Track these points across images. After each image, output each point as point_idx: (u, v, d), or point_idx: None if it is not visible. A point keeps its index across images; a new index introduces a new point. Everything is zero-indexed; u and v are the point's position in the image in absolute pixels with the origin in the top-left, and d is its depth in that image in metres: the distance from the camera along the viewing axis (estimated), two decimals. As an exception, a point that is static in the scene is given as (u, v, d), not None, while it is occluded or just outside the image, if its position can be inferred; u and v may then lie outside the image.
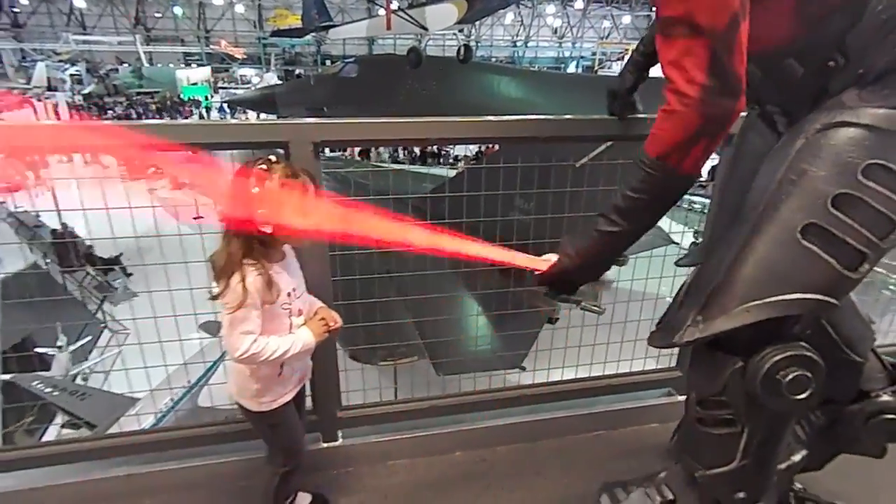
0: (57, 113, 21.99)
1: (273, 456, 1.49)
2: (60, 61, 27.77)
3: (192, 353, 6.37)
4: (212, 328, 7.38)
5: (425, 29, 10.76)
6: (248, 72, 32.52)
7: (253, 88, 24.59)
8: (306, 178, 1.21)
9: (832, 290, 0.99)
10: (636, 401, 2.03)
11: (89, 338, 9.47)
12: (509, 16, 32.99)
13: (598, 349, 2.01)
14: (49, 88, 24.80)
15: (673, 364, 2.05)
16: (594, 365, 2.01)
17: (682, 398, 1.64)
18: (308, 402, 1.67)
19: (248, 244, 1.18)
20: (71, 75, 27.31)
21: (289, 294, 1.28)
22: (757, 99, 1.18)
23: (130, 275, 11.08)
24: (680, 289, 1.22)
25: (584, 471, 1.83)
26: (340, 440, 1.80)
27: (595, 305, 7.19)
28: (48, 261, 10.54)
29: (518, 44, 35.08)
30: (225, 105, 24.11)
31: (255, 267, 1.19)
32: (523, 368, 5.59)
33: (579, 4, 34.26)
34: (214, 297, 1.20)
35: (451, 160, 17.63)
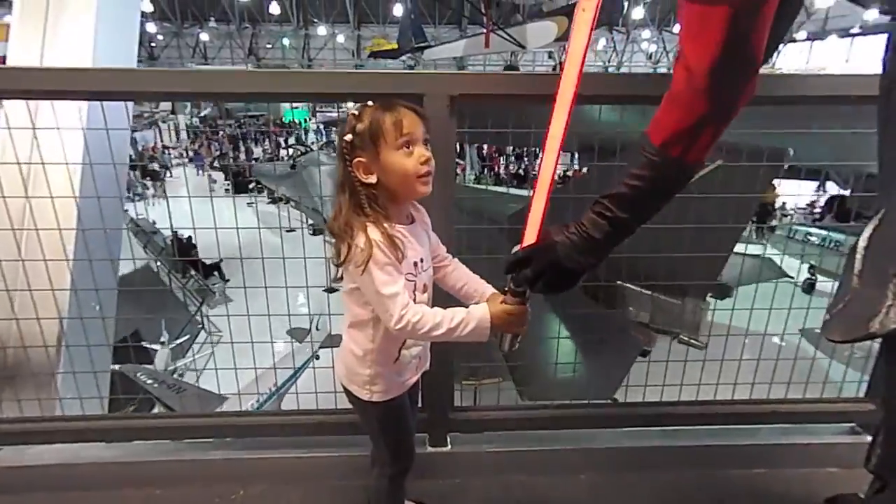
0: (177, 133, 24.90)
1: (378, 455, 1.30)
2: (183, 88, 31.17)
3: (280, 358, 6.57)
4: (298, 335, 7.56)
5: (523, 47, 10.69)
6: (343, 97, 34.35)
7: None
8: (407, 110, 1.03)
9: None
10: (808, 436, 1.64)
11: (187, 336, 10.10)
12: (601, 41, 32.49)
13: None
14: (171, 112, 27.81)
15: (860, 393, 1.64)
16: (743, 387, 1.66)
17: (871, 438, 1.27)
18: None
19: (357, 199, 1.03)
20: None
21: (415, 264, 1.10)
22: None
23: (228, 280, 11.81)
24: (849, 259, 0.89)
25: (738, 516, 1.48)
26: (450, 446, 1.59)
27: (694, 339, 6.54)
28: (159, 264, 11.46)
29: (610, 69, 34.40)
30: (321, 126, 25.56)
31: (372, 221, 1.03)
32: (615, 401, 5.12)
33: (676, 29, 33.09)
34: (340, 264, 1.05)
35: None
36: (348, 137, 1.02)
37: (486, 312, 1.04)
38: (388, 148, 1.01)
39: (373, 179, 1.02)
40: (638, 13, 31.04)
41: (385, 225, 1.03)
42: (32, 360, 1.54)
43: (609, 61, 34.54)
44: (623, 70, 34.81)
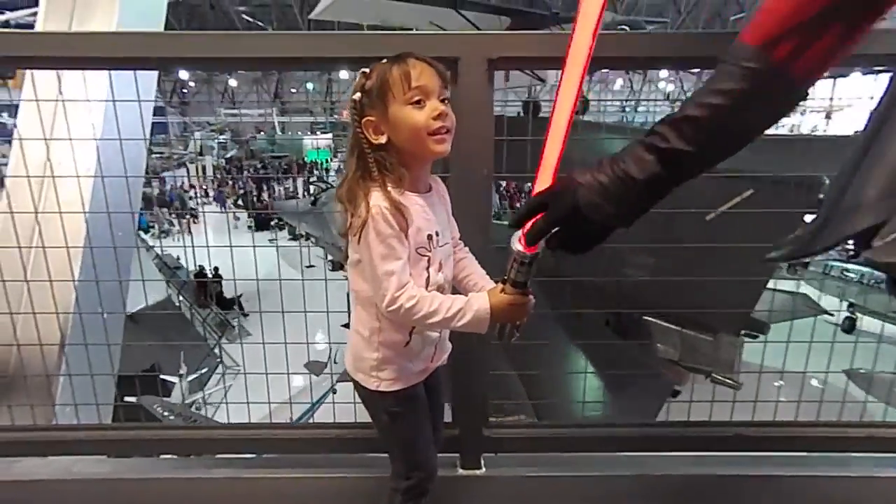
0: (204, 172, 26.03)
1: (392, 468, 1.14)
2: (212, 131, 32.57)
3: (296, 392, 6.40)
4: (316, 368, 7.43)
5: (543, 81, 10.80)
6: (364, 138, 35.49)
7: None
8: (419, 62, 0.93)
9: None
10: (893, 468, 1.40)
11: (206, 369, 10.02)
12: (618, 81, 32.97)
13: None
14: (199, 154, 29.01)
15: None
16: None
17: None
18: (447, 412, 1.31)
19: (364, 163, 0.95)
20: (218, 143, 31.77)
21: (430, 237, 0.98)
22: None
23: (247, 315, 11.81)
24: None
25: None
26: (484, 468, 1.39)
27: (729, 378, 6.17)
28: (181, 298, 11.53)
29: (627, 109, 34.76)
30: (341, 165, 26.20)
31: (378, 187, 0.93)
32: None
33: (694, 69, 33.61)
34: (343, 234, 0.98)
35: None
36: (357, 96, 0.96)
37: (485, 302, 0.93)
38: (397, 102, 0.92)
39: (383, 139, 0.94)
40: (655, 55, 31.57)
41: (391, 190, 0.92)
42: (27, 363, 1.41)
43: (627, 101, 34.99)
44: (640, 110, 35.18)
